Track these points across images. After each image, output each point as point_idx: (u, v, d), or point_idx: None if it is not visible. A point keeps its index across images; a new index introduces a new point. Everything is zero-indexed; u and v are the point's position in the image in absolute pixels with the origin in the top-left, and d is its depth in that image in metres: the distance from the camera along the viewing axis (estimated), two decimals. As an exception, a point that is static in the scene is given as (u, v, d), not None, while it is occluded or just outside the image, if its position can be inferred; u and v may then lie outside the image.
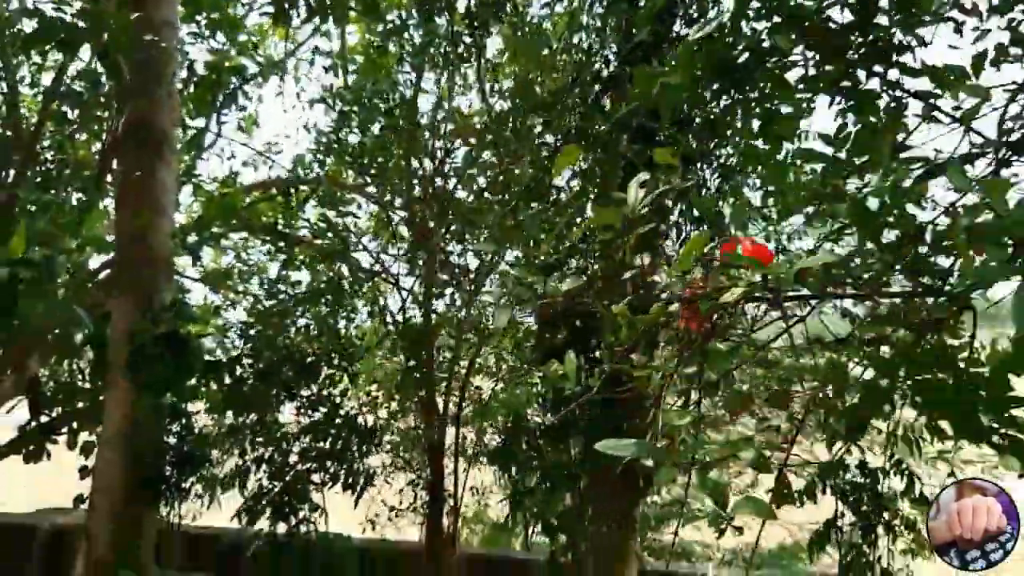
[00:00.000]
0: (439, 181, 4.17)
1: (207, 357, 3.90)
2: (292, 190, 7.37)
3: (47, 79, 7.11)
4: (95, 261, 5.44)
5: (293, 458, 3.69)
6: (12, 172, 5.51)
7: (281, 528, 3.54)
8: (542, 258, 3.62)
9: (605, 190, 3.14)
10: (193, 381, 4.06)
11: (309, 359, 3.68)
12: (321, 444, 3.65)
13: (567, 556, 3.33)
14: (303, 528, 3.55)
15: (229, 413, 3.72)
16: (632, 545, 3.37)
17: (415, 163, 4.46)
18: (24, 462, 5.67)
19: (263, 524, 3.59)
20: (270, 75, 7.33)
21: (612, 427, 3.44)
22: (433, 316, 3.87)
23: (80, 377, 5.91)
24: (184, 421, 4.05)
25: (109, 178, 5.88)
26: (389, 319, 3.87)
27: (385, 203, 4.49)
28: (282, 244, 7.15)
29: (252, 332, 3.84)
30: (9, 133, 6.51)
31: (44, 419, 5.80)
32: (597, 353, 3.44)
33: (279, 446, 3.63)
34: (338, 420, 3.63)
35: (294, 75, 7.76)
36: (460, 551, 3.67)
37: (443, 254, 3.73)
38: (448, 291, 3.76)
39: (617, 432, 3.64)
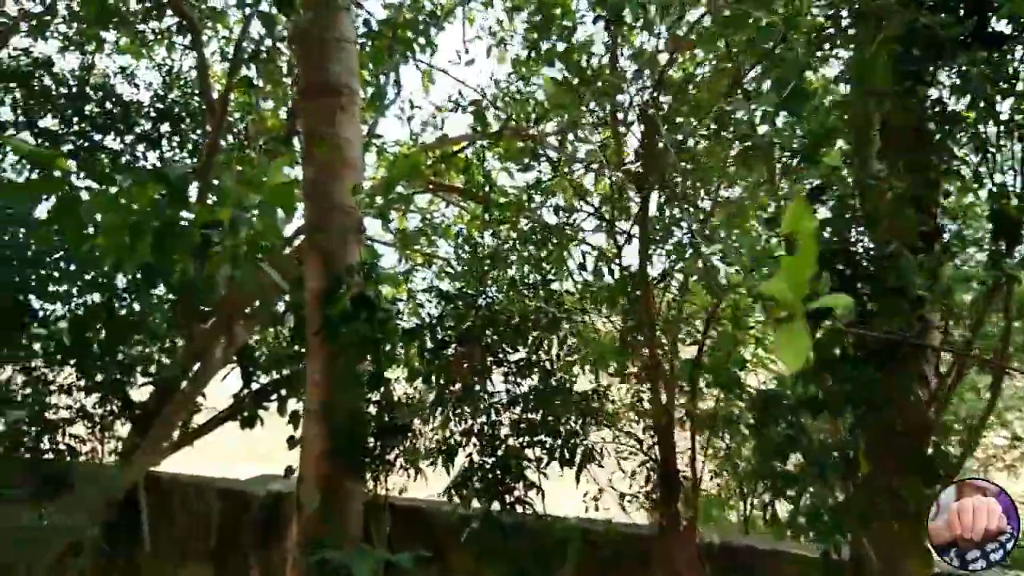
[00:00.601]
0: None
1: (403, 322, 3.62)
2: (477, 145, 7.04)
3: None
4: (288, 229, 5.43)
5: (504, 431, 3.29)
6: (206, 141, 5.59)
7: (495, 507, 3.16)
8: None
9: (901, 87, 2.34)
10: (390, 347, 3.80)
11: (515, 321, 3.23)
12: (532, 415, 3.21)
13: (845, 553, 2.66)
14: (518, 508, 3.15)
15: (432, 381, 3.37)
16: (924, 542, 2.63)
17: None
18: (240, 428, 5.84)
19: (476, 502, 3.22)
20: (444, 24, 7.00)
21: (886, 399, 2.70)
22: (649, 268, 3.25)
23: (284, 344, 5.99)
24: (384, 389, 3.80)
25: (296, 143, 5.86)
26: (604, 272, 3.31)
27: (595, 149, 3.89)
28: (471, 203, 6.87)
29: (449, 294, 3.45)
30: (200, 102, 6.72)
31: (256, 386, 5.96)
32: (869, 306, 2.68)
33: (488, 417, 3.23)
34: (550, 388, 3.16)
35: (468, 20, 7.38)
36: (699, 536, 3.08)
37: (670, 192, 3.10)
38: (672, 240, 3.12)
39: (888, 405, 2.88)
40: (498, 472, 3.17)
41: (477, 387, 3.24)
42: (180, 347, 5.53)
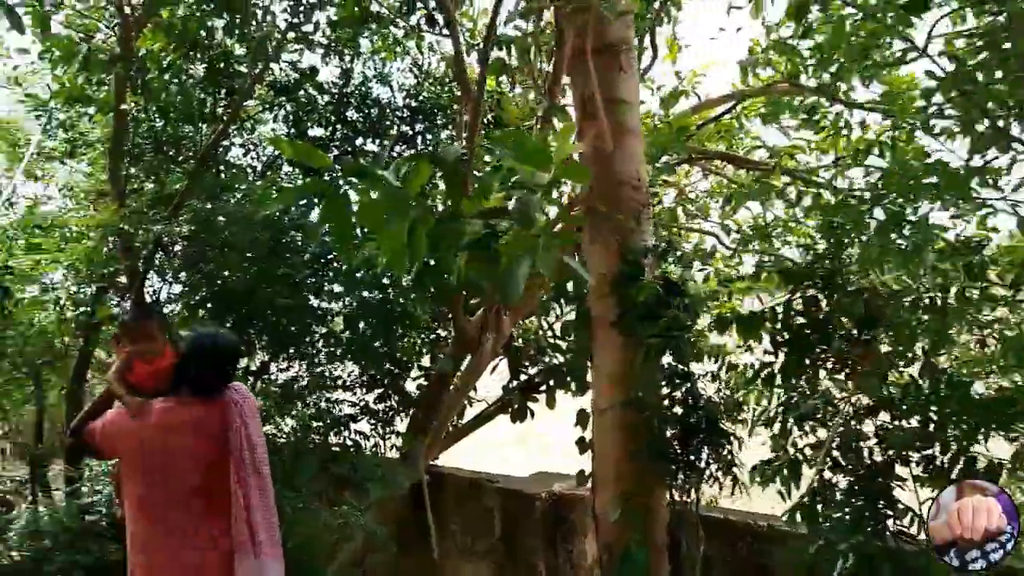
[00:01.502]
0: None
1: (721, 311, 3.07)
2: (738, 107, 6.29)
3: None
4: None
5: (868, 442, 2.60)
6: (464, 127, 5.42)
7: (859, 537, 2.48)
8: None
9: None
10: (696, 338, 3.27)
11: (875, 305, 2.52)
12: (908, 423, 2.49)
13: None
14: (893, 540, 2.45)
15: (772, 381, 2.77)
16: None
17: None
18: (512, 421, 5.67)
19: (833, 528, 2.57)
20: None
21: None
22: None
23: (551, 334, 5.73)
24: (690, 386, 3.28)
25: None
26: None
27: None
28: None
29: (799, 270, 2.81)
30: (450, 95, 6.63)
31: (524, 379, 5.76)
32: None
33: (847, 427, 2.57)
34: (938, 390, 2.42)
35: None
36: None
37: None
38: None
39: None
40: (866, 495, 2.50)
41: (837, 390, 2.59)
42: (451, 340, 5.45)
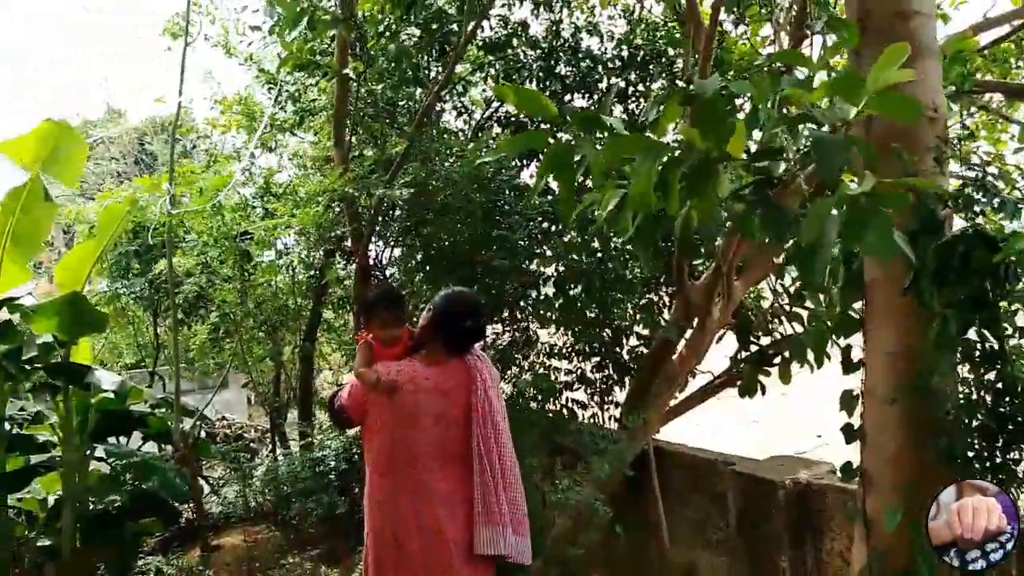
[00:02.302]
0: None
1: None
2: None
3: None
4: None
5: None
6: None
7: None
8: None
9: None
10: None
11: None
12: None
13: None
14: None
15: None
16: None
17: None
18: (740, 395, 5.15)
19: None
20: None
21: None
22: None
23: (785, 298, 5.08)
24: (1005, 368, 2.60)
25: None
26: None
27: None
28: None
29: None
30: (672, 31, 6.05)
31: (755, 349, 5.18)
32: None
33: None
34: None
35: None
36: None
37: None
38: None
39: None
40: None
41: None
42: (674, 306, 5.01)
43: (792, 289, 5.08)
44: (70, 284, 5.75)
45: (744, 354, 5.13)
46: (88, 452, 5.86)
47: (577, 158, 2.40)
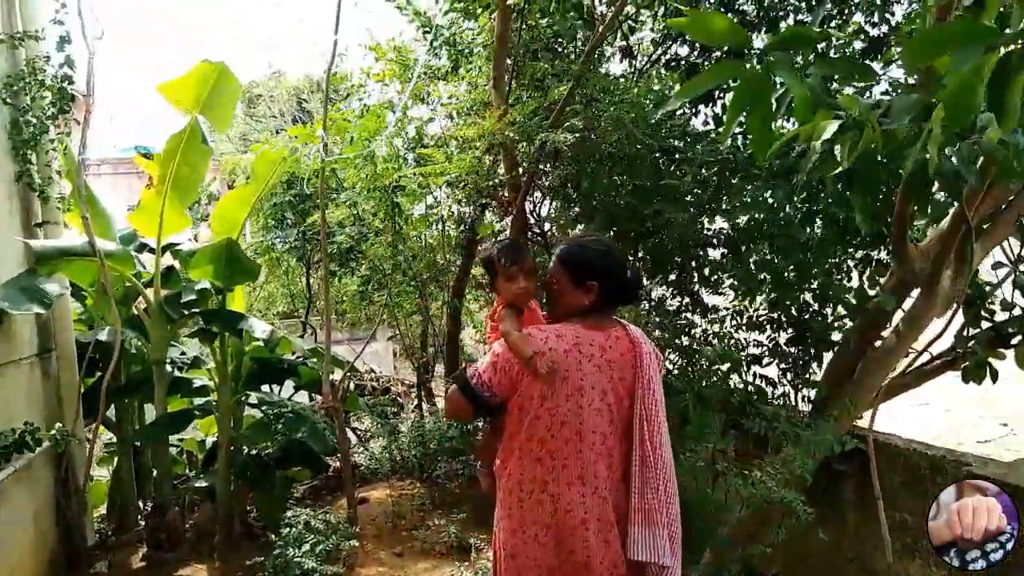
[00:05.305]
0: None
1: None
2: None
3: None
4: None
5: None
6: None
7: None
8: None
9: None
10: None
11: None
12: None
13: None
14: None
15: None
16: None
17: None
18: (963, 380, 4.30)
19: None
20: None
21: None
22: None
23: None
24: None
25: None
26: None
27: None
28: None
29: None
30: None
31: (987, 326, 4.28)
32: None
33: None
34: None
35: None
36: None
37: None
38: None
39: None
40: None
41: None
42: (889, 271, 4.20)
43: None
44: (224, 231, 5.73)
45: (972, 331, 4.25)
46: (242, 398, 5.89)
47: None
